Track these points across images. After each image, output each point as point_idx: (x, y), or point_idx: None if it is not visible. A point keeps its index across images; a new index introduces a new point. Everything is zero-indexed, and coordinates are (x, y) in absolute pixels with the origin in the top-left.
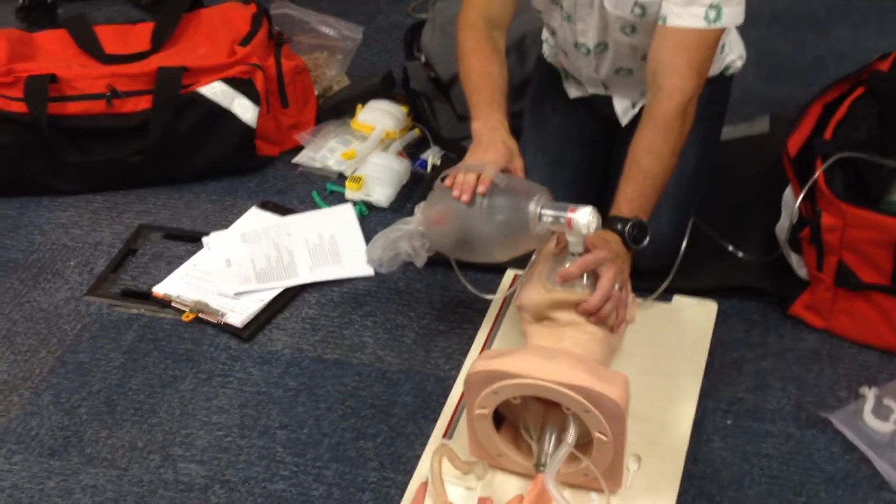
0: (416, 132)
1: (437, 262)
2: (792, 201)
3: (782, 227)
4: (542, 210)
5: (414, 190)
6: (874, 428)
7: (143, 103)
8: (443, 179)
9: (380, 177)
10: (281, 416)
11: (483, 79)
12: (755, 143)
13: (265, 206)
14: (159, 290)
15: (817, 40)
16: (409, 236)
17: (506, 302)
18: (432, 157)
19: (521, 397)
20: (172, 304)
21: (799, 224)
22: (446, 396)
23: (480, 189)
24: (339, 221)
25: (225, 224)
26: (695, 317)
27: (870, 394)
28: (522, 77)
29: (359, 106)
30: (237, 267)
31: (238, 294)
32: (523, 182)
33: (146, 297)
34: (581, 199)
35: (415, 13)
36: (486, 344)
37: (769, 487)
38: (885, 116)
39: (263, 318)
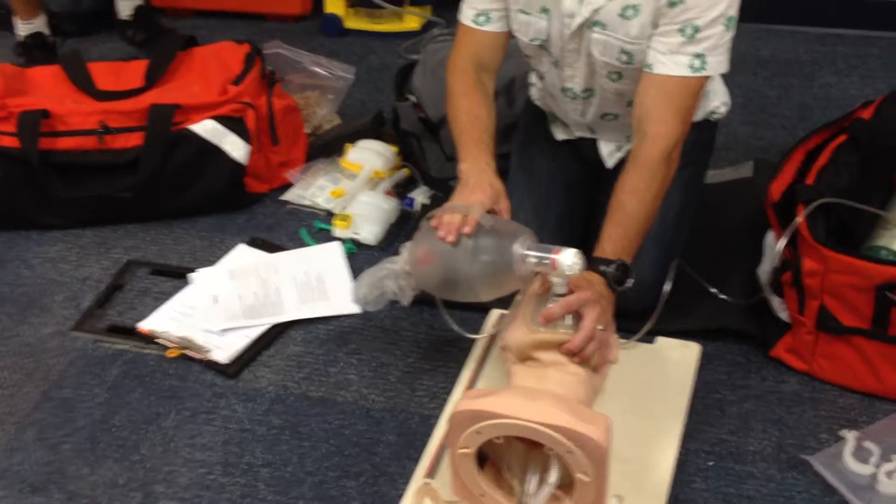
0: (405, 172)
1: (424, 300)
2: (774, 245)
3: (764, 270)
4: (526, 251)
5: (402, 228)
6: (854, 470)
7: (135, 140)
8: (429, 219)
9: (368, 215)
10: (264, 454)
11: (471, 121)
12: (739, 187)
13: (253, 242)
14: (145, 325)
15: (802, 86)
16: (395, 275)
17: (491, 341)
18: (421, 196)
19: (504, 437)
20: (158, 340)
21: (781, 268)
22: (430, 435)
23: (466, 230)
24: (327, 259)
25: (213, 260)
26: (678, 358)
27: (850, 436)
28: (510, 119)
29: (348, 145)
30: (224, 303)
31: (224, 330)
32: (508, 223)
33: (132, 332)
34: (566, 240)
35: (406, 54)
36: (471, 383)
37: None
38: (867, 164)
39: (249, 355)
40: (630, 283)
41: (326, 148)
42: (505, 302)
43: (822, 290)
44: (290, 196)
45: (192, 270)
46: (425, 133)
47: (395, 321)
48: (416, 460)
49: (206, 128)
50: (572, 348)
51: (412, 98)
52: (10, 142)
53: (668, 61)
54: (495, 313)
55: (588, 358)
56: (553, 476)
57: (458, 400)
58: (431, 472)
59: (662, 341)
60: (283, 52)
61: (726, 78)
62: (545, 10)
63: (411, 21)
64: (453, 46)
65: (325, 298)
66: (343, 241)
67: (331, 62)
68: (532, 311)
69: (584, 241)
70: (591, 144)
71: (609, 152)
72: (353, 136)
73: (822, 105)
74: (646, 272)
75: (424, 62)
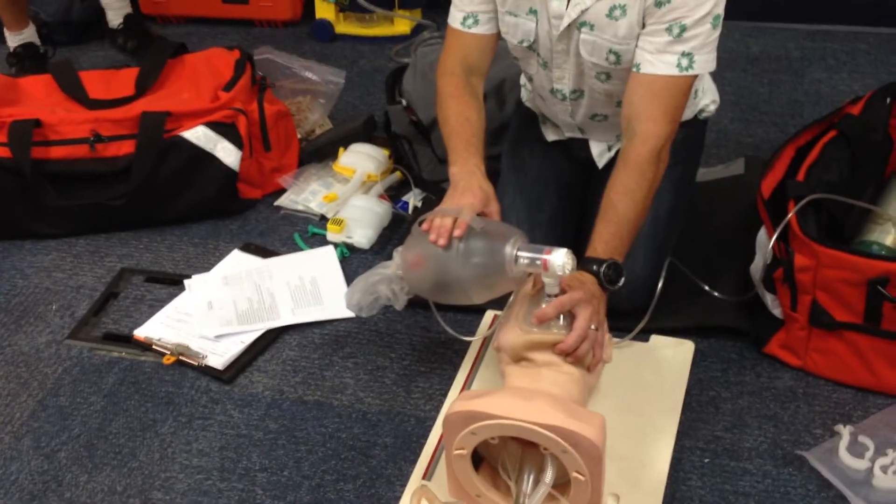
0: (397, 175)
1: (418, 303)
2: (766, 242)
3: (757, 267)
4: (518, 252)
5: (395, 232)
6: (849, 465)
7: (127, 147)
8: (420, 224)
9: (361, 219)
10: (261, 459)
11: (461, 123)
12: (730, 184)
13: (247, 248)
14: (140, 333)
15: (793, 83)
16: (388, 280)
17: (485, 342)
18: (413, 199)
19: (499, 438)
20: (154, 347)
21: (773, 264)
22: (426, 437)
23: (457, 233)
24: (321, 263)
25: (207, 267)
26: (672, 356)
27: (845, 431)
28: (501, 121)
29: (341, 149)
30: (218, 309)
31: (219, 336)
32: (499, 225)
33: (127, 340)
34: (559, 240)
35: (397, 58)
36: (466, 384)
37: None
38: (857, 159)
39: (244, 361)
40: (622, 282)
41: (318, 153)
42: (499, 303)
43: (814, 285)
44: (283, 201)
45: (187, 277)
46: (417, 136)
47: (390, 324)
48: (412, 462)
49: (198, 134)
50: (566, 348)
51: (403, 101)
52: (2, 152)
53: (656, 60)
54: (490, 314)
55: (582, 357)
56: (549, 476)
57: (452, 401)
58: (428, 474)
59: (656, 339)
60: (273, 57)
61: (716, 76)
62: (533, 12)
63: (401, 25)
64: (442, 49)
65: (319, 303)
66: (336, 245)
67: (321, 67)
68: (525, 312)
69: (577, 240)
70: (582, 145)
71: (600, 152)
72: (345, 141)
73: (812, 101)
74: (638, 271)
75: (415, 65)
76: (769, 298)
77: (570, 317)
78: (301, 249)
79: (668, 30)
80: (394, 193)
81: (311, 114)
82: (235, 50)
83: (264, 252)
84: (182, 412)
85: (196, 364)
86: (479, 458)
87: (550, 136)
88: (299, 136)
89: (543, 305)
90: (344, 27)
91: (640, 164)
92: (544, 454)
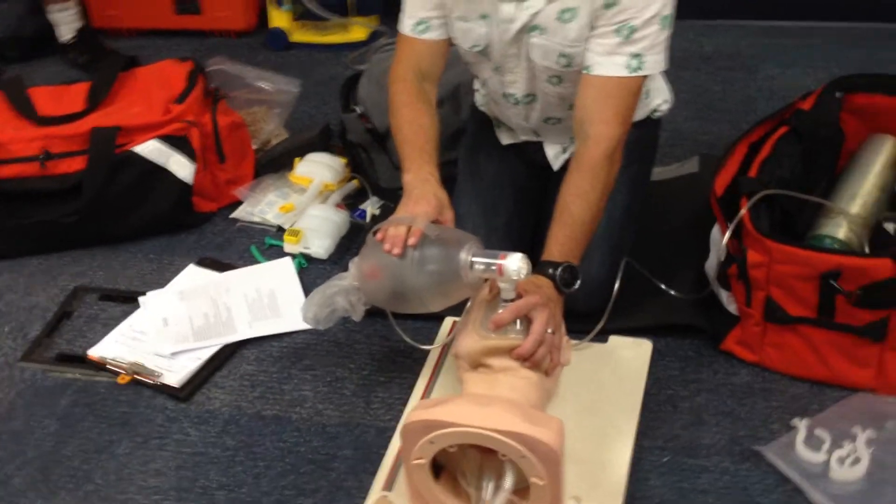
0: (354, 183)
1: (377, 312)
2: (719, 239)
3: (711, 264)
4: (473, 258)
5: (353, 241)
6: (806, 459)
7: (78, 164)
8: (374, 233)
9: (318, 229)
10: (219, 477)
11: (414, 131)
12: (685, 182)
13: (203, 262)
14: (94, 352)
15: (746, 80)
16: (345, 292)
17: (445, 350)
18: (371, 207)
19: (458, 445)
20: (108, 367)
21: (727, 261)
22: (386, 448)
23: (411, 241)
24: (278, 275)
25: (163, 283)
26: (630, 356)
27: (801, 425)
28: (457, 126)
29: (297, 159)
30: (174, 326)
31: (175, 353)
32: (454, 232)
33: (81, 360)
34: (515, 244)
35: (353, 65)
36: (426, 393)
37: None
38: (808, 154)
39: (201, 377)
40: (578, 284)
41: (275, 163)
42: (458, 309)
43: (767, 281)
44: (239, 213)
45: (142, 294)
46: (373, 144)
47: (349, 334)
48: (373, 474)
49: (150, 149)
50: (523, 353)
51: (358, 109)
52: None
53: (606, 62)
54: (449, 321)
55: (539, 362)
56: (508, 482)
57: (409, 411)
58: (389, 485)
59: (614, 340)
60: (226, 68)
61: (670, 74)
62: (484, 17)
63: (358, 32)
64: (394, 56)
65: (277, 315)
66: (294, 256)
67: (275, 76)
68: (482, 318)
69: (534, 243)
70: (537, 147)
71: (555, 154)
72: (301, 150)
73: (765, 97)
74: (595, 272)
75: (369, 73)
76: (724, 295)
77: (527, 321)
78: (258, 262)
79: (618, 31)
80: (352, 202)
81: (266, 124)
82: (188, 62)
83: (221, 266)
84: (138, 432)
85: (151, 382)
86: (440, 467)
87: (505, 139)
88: (255, 146)
89: (500, 311)
90: (299, 35)
91: (593, 166)
92: (503, 460)
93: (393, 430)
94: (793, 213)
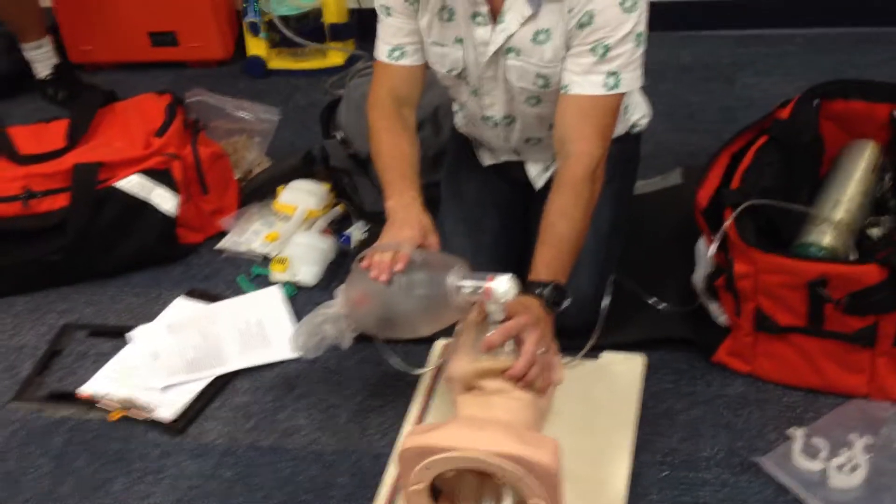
0: (339, 208)
1: (367, 337)
2: (705, 251)
3: (698, 277)
4: (460, 282)
5: (341, 266)
6: (804, 468)
7: (61, 201)
8: (360, 261)
9: (305, 256)
10: None
11: (394, 156)
12: (669, 195)
13: (191, 294)
14: (85, 390)
15: (725, 90)
16: (333, 320)
17: (438, 372)
18: (357, 231)
19: (455, 469)
20: (99, 405)
21: (714, 273)
22: (383, 474)
23: (397, 267)
24: (267, 304)
25: (151, 316)
26: (623, 371)
27: (797, 434)
28: (438, 148)
29: (280, 187)
30: (164, 359)
31: (167, 387)
32: (440, 256)
33: (72, 398)
34: (502, 263)
35: (333, 90)
36: (421, 417)
37: None
38: (790, 162)
39: (194, 410)
40: (567, 303)
41: (258, 192)
42: (449, 332)
43: (755, 291)
44: (225, 244)
45: (131, 328)
46: (356, 168)
47: (340, 361)
48: (370, 500)
49: (132, 183)
50: (515, 374)
51: (339, 135)
52: None
53: (583, 81)
54: (440, 344)
55: (532, 382)
56: None
57: (404, 437)
58: None
59: (607, 356)
60: (205, 99)
61: (649, 87)
62: (459, 41)
63: (335, 57)
64: (372, 82)
65: (267, 345)
66: (282, 284)
67: (254, 105)
68: (473, 341)
69: (522, 261)
70: (519, 167)
71: (537, 173)
72: (284, 178)
73: (744, 106)
74: (583, 289)
75: (348, 98)
76: (713, 307)
77: (518, 342)
78: (246, 291)
79: (593, 50)
80: (337, 227)
81: (247, 153)
82: (166, 94)
83: (209, 297)
84: (133, 468)
85: (144, 417)
86: (438, 491)
87: (486, 160)
88: (237, 176)
89: (490, 333)
90: (277, 62)
91: (575, 185)
92: (501, 483)
93: (389, 455)
94: (777, 221)
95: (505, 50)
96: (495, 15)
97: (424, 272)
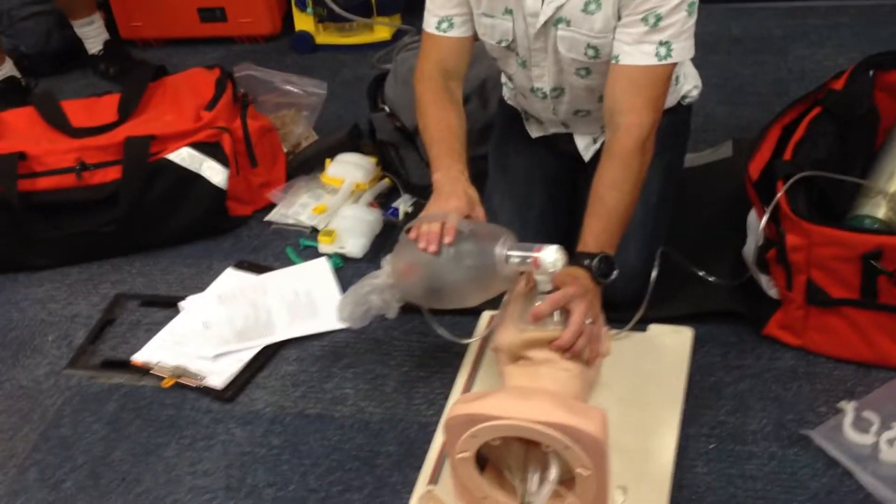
0: (385, 182)
1: (412, 308)
2: (756, 224)
3: (749, 249)
4: (508, 252)
5: (387, 239)
6: (855, 441)
7: (113, 174)
8: (407, 231)
9: (352, 228)
10: (267, 475)
11: (441, 130)
12: (720, 168)
13: (240, 265)
14: (138, 358)
15: (776, 62)
16: (380, 290)
17: (484, 343)
18: (403, 204)
19: (502, 438)
20: (152, 372)
21: (765, 246)
22: (430, 442)
23: (447, 239)
24: (315, 276)
25: (201, 287)
26: (671, 344)
27: (848, 408)
28: (485, 121)
29: (327, 160)
30: (215, 329)
31: (217, 356)
32: (487, 226)
33: (126, 366)
34: (549, 236)
35: (379, 64)
36: (467, 387)
37: None
38: (844, 134)
39: (244, 378)
40: (615, 274)
41: (306, 165)
42: (495, 303)
43: (807, 264)
44: (273, 216)
45: (182, 298)
46: (402, 141)
47: (387, 332)
48: (417, 469)
49: (183, 156)
50: (562, 344)
51: (386, 108)
52: None
53: (634, 51)
54: (486, 315)
55: (579, 353)
56: (553, 473)
57: (451, 405)
58: (434, 479)
59: (655, 328)
60: (254, 73)
61: (699, 59)
62: (509, 12)
63: (382, 31)
64: (419, 55)
65: (315, 315)
66: (329, 256)
67: (302, 79)
68: (520, 311)
69: (569, 234)
70: (567, 139)
71: (585, 145)
72: (332, 151)
73: (797, 79)
74: (632, 261)
75: (395, 71)
76: (764, 280)
77: (566, 313)
78: (294, 263)
79: (644, 20)
80: (384, 200)
81: (295, 127)
82: (215, 69)
83: (258, 268)
84: (185, 434)
85: (195, 385)
86: (484, 460)
87: (535, 132)
88: (285, 149)
89: (537, 303)
90: (324, 38)
91: (625, 156)
92: (547, 452)
93: (435, 424)
94: (830, 194)
95: (555, 20)
96: None
97: (472, 242)
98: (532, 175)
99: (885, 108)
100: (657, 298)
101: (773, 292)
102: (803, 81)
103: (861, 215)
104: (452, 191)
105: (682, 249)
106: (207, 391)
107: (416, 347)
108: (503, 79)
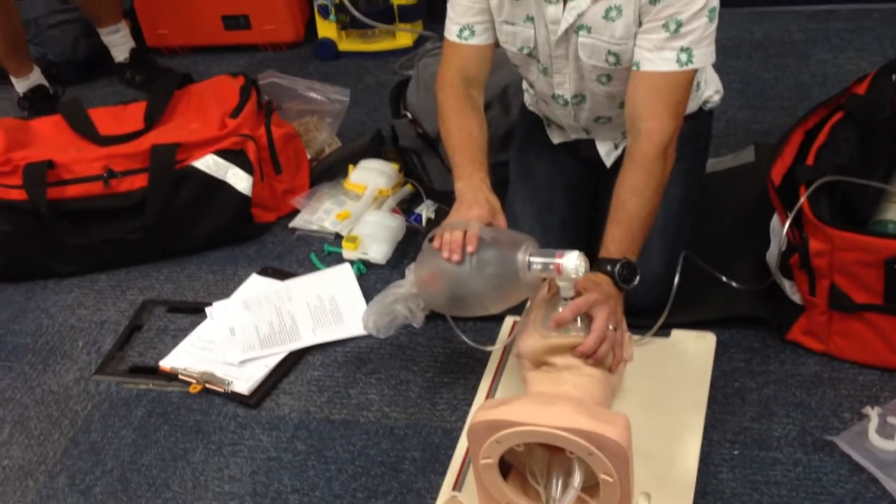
0: (408, 188)
1: (436, 314)
2: (779, 229)
3: (772, 254)
4: (530, 258)
5: (410, 245)
6: (880, 447)
7: (140, 181)
8: (430, 240)
9: (375, 235)
10: (292, 481)
11: (463, 138)
12: (742, 173)
13: (265, 272)
14: (166, 363)
15: (798, 66)
16: (404, 299)
17: (507, 349)
18: (426, 211)
19: (525, 444)
20: (180, 377)
21: (788, 251)
22: (454, 448)
23: (469, 249)
24: (339, 282)
25: (227, 293)
26: (694, 350)
27: (873, 413)
28: (507, 127)
29: (350, 166)
30: (241, 335)
31: (243, 362)
32: (509, 233)
33: (153, 371)
34: (571, 243)
35: (401, 71)
36: (490, 393)
37: None
38: (866, 138)
39: (269, 384)
40: (637, 280)
41: (329, 171)
42: (518, 309)
43: (830, 269)
44: (297, 222)
45: (208, 305)
46: (425, 148)
47: (411, 338)
48: (442, 475)
49: (209, 163)
50: (585, 350)
51: (408, 114)
52: (19, 195)
53: (655, 57)
54: (509, 321)
55: (602, 358)
56: (577, 479)
57: (475, 411)
58: (458, 485)
59: (677, 334)
60: (278, 80)
61: (721, 63)
62: (530, 19)
63: (404, 38)
64: (441, 62)
65: (339, 322)
66: (353, 262)
67: (325, 86)
68: (542, 317)
69: (591, 240)
70: (589, 145)
71: (607, 151)
72: (355, 157)
73: (819, 83)
74: (654, 267)
75: (417, 78)
76: (787, 285)
77: (588, 319)
78: (318, 269)
79: (665, 26)
80: (406, 206)
81: (319, 134)
82: (240, 76)
83: (282, 274)
84: (212, 440)
85: (222, 391)
86: (508, 466)
87: (556, 138)
88: (309, 156)
89: (560, 309)
90: (347, 44)
91: (647, 163)
92: (571, 458)
93: (459, 430)
94: (853, 199)
95: (576, 28)
96: None
97: (494, 250)
98: (554, 181)
99: None
100: (680, 304)
101: (796, 297)
102: (825, 86)
103: (884, 220)
104: (475, 199)
105: (705, 255)
106: (234, 396)
107: (439, 353)
108: (524, 85)
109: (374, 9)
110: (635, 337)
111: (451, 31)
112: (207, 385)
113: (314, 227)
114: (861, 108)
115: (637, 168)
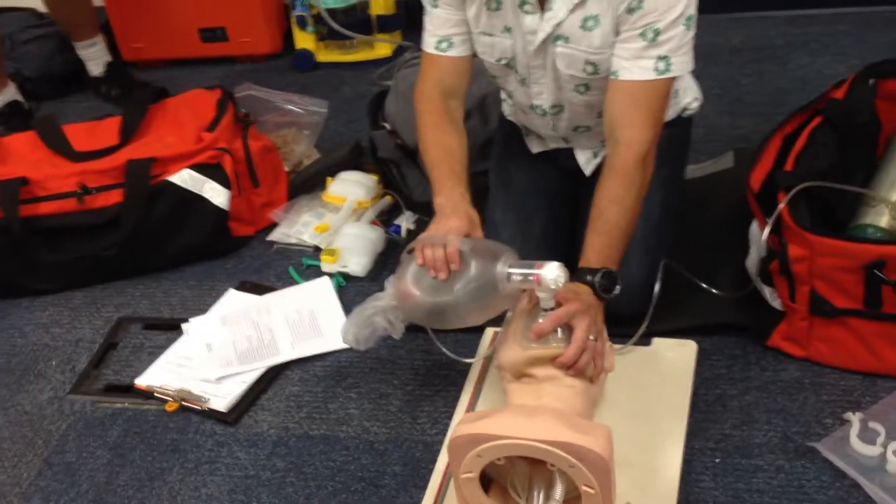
0: (388, 199)
1: (416, 326)
2: (758, 235)
3: (752, 260)
4: (509, 270)
5: (390, 257)
6: (862, 452)
7: (115, 197)
8: (410, 252)
9: (354, 247)
10: (271, 498)
11: (441, 153)
12: (721, 179)
13: (243, 286)
14: (142, 381)
15: (777, 71)
16: (383, 311)
17: (488, 361)
18: (406, 222)
19: (506, 457)
20: (156, 395)
21: (768, 257)
22: (435, 462)
23: (453, 266)
24: (318, 295)
25: (204, 308)
26: (675, 358)
27: (854, 418)
28: (486, 137)
29: (329, 178)
30: (218, 351)
31: (220, 378)
32: (488, 244)
33: (129, 390)
34: (552, 251)
35: (381, 81)
36: (471, 405)
37: None
38: (845, 143)
39: (248, 400)
40: (617, 289)
41: (307, 184)
42: (498, 320)
43: (810, 275)
44: (275, 236)
45: (185, 321)
46: (404, 159)
47: (391, 350)
48: (423, 489)
49: (185, 178)
50: (566, 361)
51: (387, 125)
52: None
53: (633, 66)
54: (489, 332)
55: (583, 369)
56: (558, 492)
57: (455, 425)
58: (439, 500)
59: (658, 342)
60: (254, 93)
61: (699, 70)
62: (508, 30)
63: (382, 48)
64: (419, 75)
65: (318, 335)
66: (332, 275)
67: (303, 98)
68: (523, 328)
69: (571, 249)
70: (568, 154)
71: (586, 160)
72: (333, 169)
73: (797, 88)
74: (634, 275)
75: (396, 88)
76: (767, 291)
77: (569, 329)
78: (297, 283)
79: (643, 35)
80: (386, 218)
81: (297, 146)
82: (216, 89)
83: (260, 289)
84: (188, 458)
85: (199, 408)
86: (489, 480)
87: (535, 147)
88: (287, 168)
89: (540, 320)
90: (325, 55)
91: (626, 171)
92: (552, 470)
93: (440, 444)
94: (833, 204)
95: (553, 38)
96: (543, 3)
97: (474, 262)
98: (533, 190)
99: (886, 116)
100: (660, 312)
101: (776, 304)
102: (804, 91)
103: (863, 225)
104: (454, 211)
105: (685, 261)
106: (211, 414)
107: (419, 366)
108: (503, 95)
109: (353, 20)
110: (616, 346)
111: (428, 43)
112: (184, 403)
113: (293, 241)
114: (840, 112)
115: (616, 177)
